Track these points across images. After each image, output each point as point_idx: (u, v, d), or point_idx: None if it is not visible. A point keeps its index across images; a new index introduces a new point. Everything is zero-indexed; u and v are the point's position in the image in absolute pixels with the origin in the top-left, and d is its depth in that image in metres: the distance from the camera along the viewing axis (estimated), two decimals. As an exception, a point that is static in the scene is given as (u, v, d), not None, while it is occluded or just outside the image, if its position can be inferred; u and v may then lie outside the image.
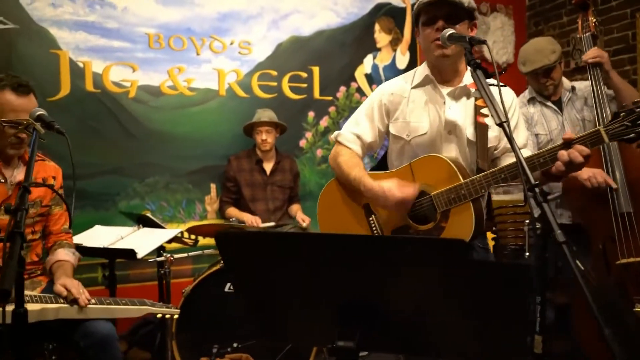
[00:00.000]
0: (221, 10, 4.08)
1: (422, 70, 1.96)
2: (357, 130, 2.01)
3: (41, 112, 2.05)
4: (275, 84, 4.24)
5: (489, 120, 1.85)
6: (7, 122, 2.21)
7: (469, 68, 1.76)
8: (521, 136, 1.97)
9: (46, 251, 2.47)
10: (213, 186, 4.07)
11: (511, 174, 1.69)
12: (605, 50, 4.36)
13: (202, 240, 3.37)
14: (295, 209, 3.99)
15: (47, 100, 3.63)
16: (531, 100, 2.98)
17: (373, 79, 4.57)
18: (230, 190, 3.88)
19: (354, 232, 1.93)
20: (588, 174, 2.63)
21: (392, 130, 1.95)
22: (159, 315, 2.35)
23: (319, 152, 4.41)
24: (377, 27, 4.57)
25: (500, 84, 1.87)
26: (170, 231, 2.97)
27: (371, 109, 2.00)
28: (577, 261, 2.71)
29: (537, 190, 1.34)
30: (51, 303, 2.09)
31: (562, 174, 1.62)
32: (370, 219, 1.95)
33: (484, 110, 1.86)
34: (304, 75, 4.34)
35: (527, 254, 1.65)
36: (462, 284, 1.15)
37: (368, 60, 4.55)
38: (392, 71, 4.62)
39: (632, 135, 1.51)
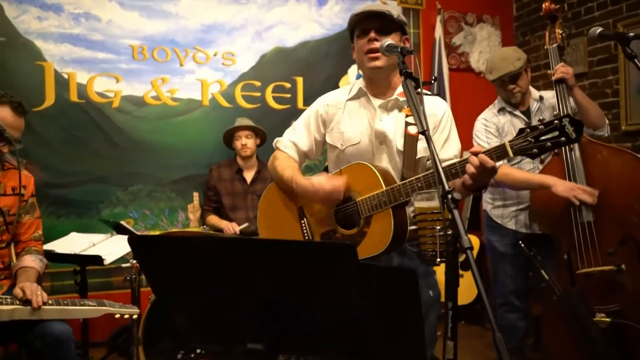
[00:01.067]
0: (205, 22, 4.16)
1: (358, 83, 2.05)
2: (293, 138, 2.08)
3: None
4: (258, 94, 4.30)
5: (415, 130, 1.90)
6: None
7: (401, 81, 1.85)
8: (453, 147, 1.99)
9: (14, 257, 2.53)
10: (196, 195, 4.12)
11: (426, 181, 1.74)
12: (588, 59, 4.38)
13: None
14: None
15: (32, 111, 3.72)
16: (501, 111, 3.00)
17: (358, 89, 4.60)
18: (211, 199, 3.94)
19: (287, 236, 1.98)
20: (564, 188, 2.59)
21: (328, 139, 2.02)
22: (117, 316, 2.40)
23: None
24: (361, 38, 4.60)
25: (428, 93, 1.93)
26: (143, 239, 3.02)
27: (308, 118, 2.07)
28: (543, 271, 2.71)
29: (449, 196, 1.37)
30: (6, 305, 2.14)
31: (474, 181, 1.63)
32: (302, 222, 1.99)
33: (410, 120, 1.91)
34: (288, 85, 4.39)
35: (439, 259, 1.66)
36: (354, 287, 1.19)
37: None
38: (377, 81, 4.65)
39: (535, 150, 1.55)
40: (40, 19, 3.76)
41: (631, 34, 1.97)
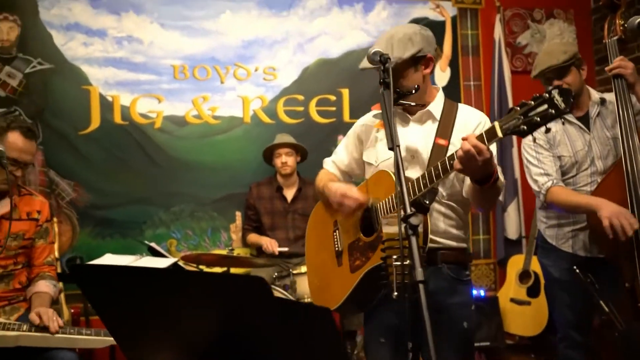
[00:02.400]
0: (245, 37, 4.08)
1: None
2: (334, 158, 2.15)
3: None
4: (301, 108, 4.14)
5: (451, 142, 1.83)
6: (10, 159, 2.30)
7: (439, 95, 1.89)
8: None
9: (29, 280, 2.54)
10: (238, 214, 4.02)
11: (430, 176, 1.65)
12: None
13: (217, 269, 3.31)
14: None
15: (78, 134, 3.83)
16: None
17: (409, 99, 4.30)
18: (251, 218, 3.81)
19: (325, 249, 2.04)
20: (609, 212, 2.20)
21: (364, 157, 2.01)
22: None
23: (350, 178, 4.20)
24: (412, 44, 4.31)
25: (411, 103, 1.83)
26: (166, 260, 2.93)
27: (347, 139, 2.11)
28: (602, 302, 2.28)
29: (409, 221, 1.18)
30: (12, 331, 2.12)
31: (464, 166, 1.53)
32: (335, 233, 2.02)
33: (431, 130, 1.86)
34: (333, 98, 4.19)
35: (395, 293, 1.43)
36: (267, 321, 1.00)
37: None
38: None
39: (524, 127, 1.43)
40: (86, 45, 3.87)
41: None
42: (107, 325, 1.30)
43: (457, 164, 1.52)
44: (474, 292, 3.90)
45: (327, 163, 2.17)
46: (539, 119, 1.40)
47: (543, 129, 1.43)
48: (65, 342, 2.24)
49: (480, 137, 1.50)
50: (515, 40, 4.48)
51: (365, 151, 2.01)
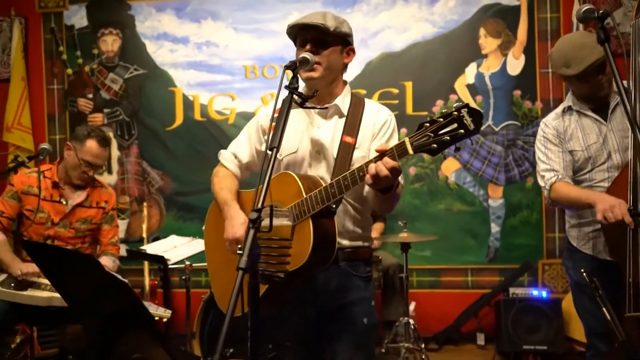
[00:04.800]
0: (310, 36, 4.27)
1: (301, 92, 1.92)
2: (234, 149, 2.02)
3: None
4: (364, 102, 4.22)
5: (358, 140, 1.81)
6: (85, 161, 2.83)
7: (346, 89, 1.89)
8: None
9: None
10: (301, 204, 4.25)
11: (338, 186, 1.63)
12: None
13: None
14: (377, 228, 3.90)
15: (165, 130, 4.38)
16: (567, 111, 2.40)
17: (477, 89, 4.16)
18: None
19: (226, 252, 1.87)
20: (604, 206, 2.03)
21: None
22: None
23: (412, 170, 4.20)
24: (482, 31, 4.15)
25: (320, 107, 1.83)
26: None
27: (249, 128, 2.01)
28: (605, 309, 2.16)
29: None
30: (45, 291, 2.59)
31: (375, 183, 1.52)
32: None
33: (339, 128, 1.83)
34: (396, 91, 4.21)
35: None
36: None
37: (471, 70, 4.16)
38: (503, 78, 4.13)
39: (434, 146, 1.40)
40: (172, 51, 4.39)
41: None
42: (52, 284, 1.61)
43: (368, 179, 1.52)
44: (535, 292, 3.70)
45: (225, 156, 2.01)
46: (448, 137, 1.38)
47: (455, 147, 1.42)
48: None
49: (390, 154, 1.49)
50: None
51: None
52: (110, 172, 4.41)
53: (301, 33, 1.83)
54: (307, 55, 1.74)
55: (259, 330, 1.29)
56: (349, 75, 4.18)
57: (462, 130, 1.35)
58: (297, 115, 1.89)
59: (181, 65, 4.39)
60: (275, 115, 1.87)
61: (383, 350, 3.25)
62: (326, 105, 1.83)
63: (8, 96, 4.28)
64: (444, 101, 4.17)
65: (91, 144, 2.83)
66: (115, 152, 4.40)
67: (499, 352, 3.67)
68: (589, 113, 2.34)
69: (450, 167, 4.18)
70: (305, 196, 1.69)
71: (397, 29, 4.23)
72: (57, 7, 4.44)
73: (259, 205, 1.32)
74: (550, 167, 2.37)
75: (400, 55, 4.23)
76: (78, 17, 4.45)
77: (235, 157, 2.01)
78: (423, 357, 3.08)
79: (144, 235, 4.13)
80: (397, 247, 3.56)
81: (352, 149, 1.78)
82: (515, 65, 4.13)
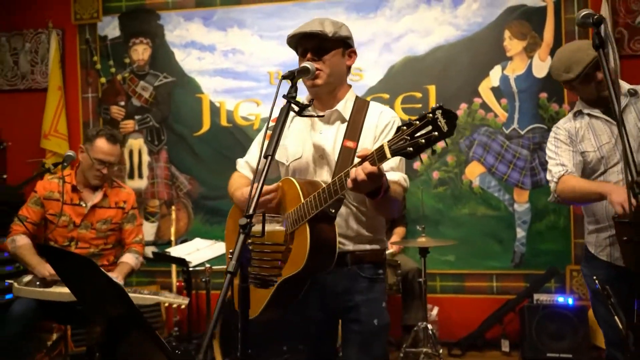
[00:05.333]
0: (334, 42, 4.31)
1: (303, 99, 1.96)
2: (247, 157, 2.09)
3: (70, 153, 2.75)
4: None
5: (360, 143, 1.83)
6: (97, 160, 2.96)
7: (349, 93, 1.93)
8: (391, 160, 1.76)
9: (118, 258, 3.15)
10: (325, 208, 4.29)
11: (329, 191, 1.65)
12: None
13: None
14: (399, 233, 3.91)
15: (193, 136, 4.50)
16: (577, 114, 2.38)
17: (502, 92, 4.10)
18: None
19: None
20: (620, 197, 2.00)
21: (276, 156, 1.91)
22: (166, 305, 2.79)
23: (435, 175, 4.18)
24: (507, 34, 4.10)
25: (318, 114, 1.86)
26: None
27: (260, 137, 2.07)
28: (617, 318, 2.14)
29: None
30: None
31: (355, 188, 1.54)
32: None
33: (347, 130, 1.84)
34: (419, 95, 4.20)
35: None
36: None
37: (495, 72, 4.11)
38: (528, 81, 4.06)
39: (410, 149, 1.40)
40: (200, 59, 4.51)
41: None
42: (66, 285, 1.70)
43: (349, 184, 1.54)
44: (561, 299, 3.63)
45: (240, 164, 2.09)
46: (423, 141, 1.37)
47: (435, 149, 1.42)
48: None
49: (371, 158, 1.51)
50: (634, 19, 3.95)
51: (277, 150, 2.00)
52: (140, 176, 4.56)
53: (301, 42, 1.89)
54: (308, 64, 1.79)
55: (248, 331, 1.33)
56: (372, 79, 4.27)
57: (436, 133, 1.34)
58: (301, 121, 1.95)
59: (208, 72, 4.50)
60: (272, 124, 1.96)
61: (402, 355, 3.25)
62: (322, 113, 1.87)
63: (46, 105, 4.49)
64: (468, 104, 4.14)
65: (101, 142, 2.93)
66: (145, 158, 4.56)
67: (523, 359, 3.61)
68: (600, 115, 2.31)
69: (474, 171, 4.14)
70: (303, 201, 1.72)
71: (420, 33, 4.22)
72: (92, 18, 4.63)
73: (251, 211, 1.36)
74: (559, 162, 2.34)
75: (424, 59, 4.22)
76: (111, 28, 4.63)
77: (248, 164, 2.07)
78: (440, 362, 3.07)
79: (172, 237, 4.26)
80: (418, 252, 3.55)
81: (352, 153, 1.79)
82: (542, 67, 4.05)
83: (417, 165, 4.20)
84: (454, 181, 4.16)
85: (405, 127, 1.41)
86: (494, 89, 4.12)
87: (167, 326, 4.21)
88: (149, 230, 4.47)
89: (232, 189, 2.03)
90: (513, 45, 4.10)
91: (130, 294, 2.77)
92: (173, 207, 4.40)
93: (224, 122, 4.47)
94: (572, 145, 2.33)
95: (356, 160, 1.81)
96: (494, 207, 4.10)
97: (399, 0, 4.24)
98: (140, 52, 4.59)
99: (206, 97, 4.50)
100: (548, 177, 2.38)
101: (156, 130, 4.56)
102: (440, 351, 3.13)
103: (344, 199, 1.76)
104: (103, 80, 4.64)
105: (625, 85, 2.29)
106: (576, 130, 2.34)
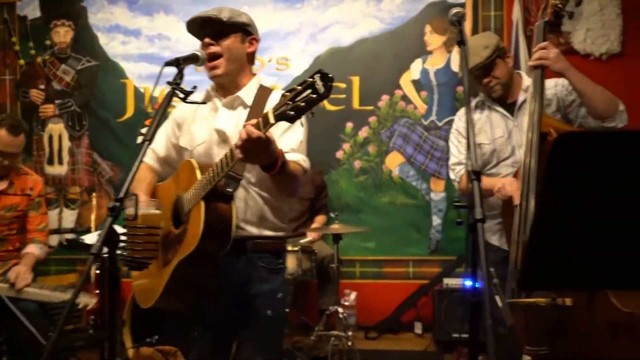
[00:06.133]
0: (260, 30, 4.31)
1: (210, 87, 2.00)
2: (152, 145, 2.01)
3: None
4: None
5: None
6: None
7: (253, 80, 1.92)
8: (288, 140, 1.82)
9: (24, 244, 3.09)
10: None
11: (222, 165, 1.64)
12: None
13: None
14: (319, 220, 3.99)
15: (117, 121, 4.43)
16: (479, 106, 2.50)
17: (422, 85, 4.24)
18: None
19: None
20: (498, 185, 2.15)
21: (181, 143, 1.99)
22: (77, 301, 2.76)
23: (357, 164, 4.29)
24: (427, 28, 4.23)
25: (197, 101, 1.86)
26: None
27: (166, 123, 2.07)
28: (498, 297, 2.27)
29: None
30: None
31: (244, 154, 1.53)
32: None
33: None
34: (343, 86, 4.29)
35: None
36: None
37: (416, 66, 4.25)
38: (447, 74, 4.22)
39: (292, 113, 1.42)
40: (124, 44, 4.44)
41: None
42: None
43: (237, 152, 1.53)
44: (468, 283, 3.81)
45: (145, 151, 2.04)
46: (304, 103, 1.40)
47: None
48: (28, 295, 2.78)
49: (257, 125, 1.52)
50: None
51: (181, 137, 1.98)
52: (61, 162, 4.46)
53: (200, 29, 1.91)
54: (198, 52, 1.82)
55: (115, 314, 1.36)
56: (298, 69, 4.31)
57: (314, 95, 1.38)
58: (206, 108, 1.96)
59: (133, 57, 4.43)
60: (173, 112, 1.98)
61: (313, 338, 3.34)
62: (201, 100, 1.89)
63: (-41, 86, 4.32)
64: (390, 96, 4.26)
65: (1, 133, 2.84)
66: (66, 143, 4.45)
67: (435, 341, 3.79)
68: (498, 108, 2.43)
69: (394, 161, 4.27)
70: (199, 178, 1.72)
71: (345, 25, 4.30)
72: (10, -3, 4.47)
73: (122, 194, 1.39)
74: (459, 160, 2.46)
75: (349, 50, 4.30)
76: (31, 8, 4.48)
77: (153, 151, 2.05)
78: (349, 344, 3.17)
79: (92, 225, 4.19)
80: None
81: None
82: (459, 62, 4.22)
83: (339, 154, 4.29)
84: (375, 170, 4.28)
85: (288, 93, 1.45)
86: (414, 82, 4.25)
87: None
88: (68, 217, 4.39)
89: (135, 181, 1.93)
90: (433, 39, 4.24)
91: (37, 291, 2.76)
92: (94, 194, 4.31)
93: (149, 108, 4.42)
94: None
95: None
96: (412, 196, 4.25)
97: (326, -9, 4.31)
98: (62, 34, 4.46)
99: (131, 82, 4.43)
100: (451, 175, 2.50)
101: (78, 115, 4.46)
102: (350, 333, 3.24)
103: (240, 178, 1.76)
104: (22, 62, 4.49)
105: (527, 81, 2.41)
106: (475, 122, 2.45)
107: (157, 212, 1.69)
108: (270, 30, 4.33)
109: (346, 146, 4.29)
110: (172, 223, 1.84)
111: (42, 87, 4.48)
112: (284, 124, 1.82)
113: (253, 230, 1.83)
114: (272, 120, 1.47)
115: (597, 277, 1.01)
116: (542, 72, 2.16)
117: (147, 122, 1.93)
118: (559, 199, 0.90)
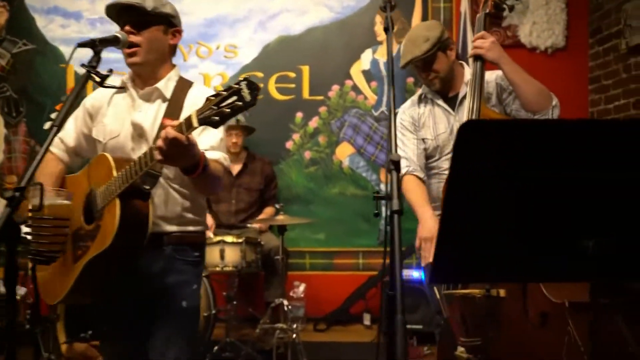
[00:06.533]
0: (208, 16, 4.22)
1: (126, 76, 1.91)
2: (62, 134, 1.94)
3: None
4: (261, 85, 4.21)
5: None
6: None
7: (172, 72, 1.86)
8: (208, 138, 1.77)
9: None
10: (197, 186, 4.22)
11: (140, 163, 1.59)
12: None
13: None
14: (268, 212, 3.92)
15: (55, 108, 4.22)
16: (422, 99, 2.45)
17: (372, 75, 4.22)
18: (201, 190, 4.00)
19: None
20: (423, 234, 2.22)
21: (93, 134, 1.90)
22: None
23: (307, 154, 4.24)
24: (377, 19, 4.21)
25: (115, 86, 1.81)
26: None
27: (77, 112, 1.96)
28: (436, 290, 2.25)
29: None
30: None
31: (164, 156, 1.47)
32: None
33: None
34: (292, 75, 4.22)
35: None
36: None
37: (366, 56, 4.22)
38: (396, 65, 4.18)
39: (216, 118, 1.41)
40: (64, 27, 4.23)
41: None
42: None
43: (157, 154, 1.48)
44: (416, 274, 3.83)
45: (54, 141, 1.85)
46: (229, 110, 1.39)
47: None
48: None
49: (179, 127, 1.46)
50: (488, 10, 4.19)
51: (95, 127, 1.89)
52: (-5, 150, 4.24)
53: (121, 15, 1.81)
54: (119, 33, 1.73)
55: (15, 310, 1.27)
56: (246, 57, 4.21)
57: (240, 103, 1.38)
58: (121, 99, 1.89)
59: (73, 41, 4.21)
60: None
61: (258, 331, 3.29)
62: (119, 86, 1.82)
63: None
64: (340, 86, 4.22)
65: None
66: (1, 130, 4.23)
67: (382, 332, 3.79)
68: (441, 103, 2.39)
69: (344, 152, 4.24)
70: (115, 175, 1.66)
71: (295, 12, 4.23)
72: (-62, -25, 4.19)
73: (24, 184, 1.30)
74: (404, 155, 2.41)
75: (298, 39, 4.24)
76: (-39, -13, 4.22)
77: (62, 141, 1.95)
78: (294, 336, 3.13)
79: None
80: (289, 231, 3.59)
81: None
82: (409, 53, 4.21)
83: (289, 144, 4.23)
84: (325, 161, 4.24)
85: (213, 97, 1.42)
86: (364, 72, 4.22)
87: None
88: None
89: (40, 172, 1.82)
90: (383, 30, 4.20)
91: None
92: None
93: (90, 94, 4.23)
94: (415, 133, 2.41)
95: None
96: (362, 187, 4.24)
97: (275, -22, 4.21)
98: (-4, 15, 4.22)
99: (71, 67, 4.23)
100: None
101: (14, 101, 4.23)
102: (295, 326, 3.20)
103: (159, 175, 1.71)
104: (-48, 44, 4.23)
105: (468, 74, 2.38)
106: (419, 116, 2.41)
107: (67, 202, 1.60)
108: (218, 16, 4.22)
109: (296, 136, 4.23)
110: (83, 218, 1.76)
111: (-25, 71, 4.24)
112: None
113: (172, 227, 1.79)
114: (195, 124, 1.44)
115: (504, 270, 0.99)
116: (482, 64, 2.16)
117: (58, 107, 1.84)
118: (464, 190, 0.87)
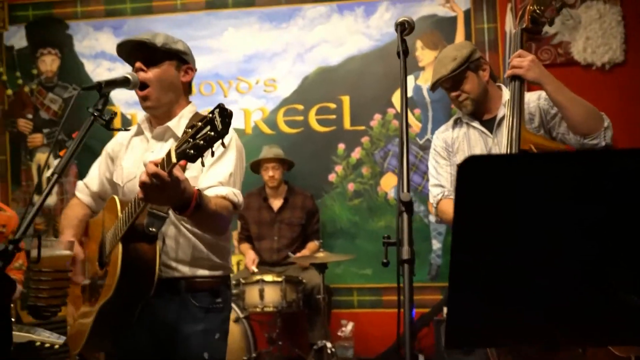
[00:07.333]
0: (247, 52, 4.23)
1: (142, 118, 1.90)
2: (86, 179, 1.99)
3: None
4: (301, 118, 4.15)
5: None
6: None
7: (186, 109, 1.82)
8: (215, 173, 1.70)
9: None
10: (239, 222, 4.16)
11: (137, 203, 1.54)
12: None
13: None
14: (311, 248, 3.80)
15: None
16: (457, 122, 2.31)
17: (415, 102, 4.07)
18: (244, 227, 3.94)
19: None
20: None
21: (114, 178, 1.89)
22: (37, 344, 2.59)
23: (351, 187, 4.10)
24: (419, 44, 4.07)
25: (128, 129, 1.82)
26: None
27: (100, 158, 1.99)
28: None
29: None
30: None
31: (145, 196, 1.41)
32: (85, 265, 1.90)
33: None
34: (333, 106, 4.14)
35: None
36: None
37: (408, 83, 4.07)
38: (441, 91, 4.01)
39: (191, 151, 1.31)
40: (110, 70, 4.36)
41: None
42: None
43: (139, 193, 1.41)
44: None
45: (78, 187, 1.99)
46: (202, 142, 1.30)
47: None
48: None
49: (161, 164, 1.39)
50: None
51: (115, 172, 1.90)
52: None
53: (132, 53, 1.80)
54: (129, 74, 1.71)
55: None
56: (286, 90, 4.19)
57: (212, 133, 1.28)
58: (139, 141, 1.87)
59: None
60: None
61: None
62: (129, 128, 1.81)
63: (-54, 118, 4.27)
64: (382, 115, 4.09)
65: None
66: (53, 173, 4.36)
67: (436, 374, 3.54)
68: (477, 125, 2.24)
69: (389, 183, 4.08)
70: (119, 217, 1.62)
71: (333, 43, 4.17)
72: (-3, 28, 4.45)
73: (18, 235, 1.25)
74: (438, 183, 2.28)
75: (337, 69, 4.16)
76: (17, 38, 4.44)
77: (87, 187, 1.97)
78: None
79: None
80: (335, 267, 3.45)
81: (183, 170, 1.69)
82: (454, 77, 4.03)
83: (332, 177, 4.12)
84: (370, 193, 4.09)
85: (189, 130, 1.33)
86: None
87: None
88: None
89: (64, 219, 1.89)
90: (425, 55, 4.07)
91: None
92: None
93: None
94: (448, 159, 2.27)
95: (199, 174, 1.73)
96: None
97: (312, 10, 4.18)
98: (49, 63, 4.41)
99: (117, 109, 4.34)
100: (430, 199, 2.32)
101: (65, 143, 4.38)
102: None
103: (165, 217, 1.63)
104: (9, 92, 4.44)
105: (506, 94, 2.22)
106: (452, 141, 2.27)
107: (67, 253, 1.54)
108: (256, 52, 4.22)
109: (339, 168, 4.11)
110: (97, 263, 1.74)
111: (30, 116, 4.42)
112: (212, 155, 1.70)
113: (185, 269, 1.72)
114: (174, 159, 1.35)
115: (529, 333, 0.81)
116: (521, 83, 1.99)
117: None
118: (471, 239, 0.71)
